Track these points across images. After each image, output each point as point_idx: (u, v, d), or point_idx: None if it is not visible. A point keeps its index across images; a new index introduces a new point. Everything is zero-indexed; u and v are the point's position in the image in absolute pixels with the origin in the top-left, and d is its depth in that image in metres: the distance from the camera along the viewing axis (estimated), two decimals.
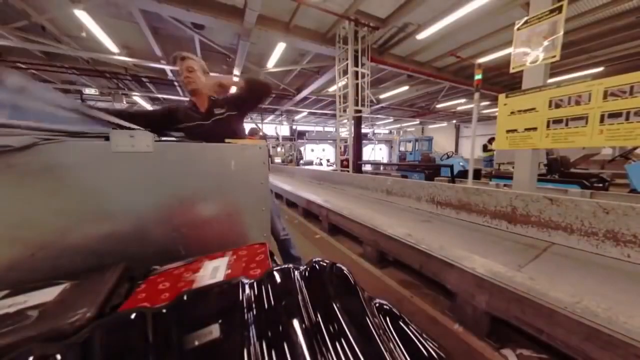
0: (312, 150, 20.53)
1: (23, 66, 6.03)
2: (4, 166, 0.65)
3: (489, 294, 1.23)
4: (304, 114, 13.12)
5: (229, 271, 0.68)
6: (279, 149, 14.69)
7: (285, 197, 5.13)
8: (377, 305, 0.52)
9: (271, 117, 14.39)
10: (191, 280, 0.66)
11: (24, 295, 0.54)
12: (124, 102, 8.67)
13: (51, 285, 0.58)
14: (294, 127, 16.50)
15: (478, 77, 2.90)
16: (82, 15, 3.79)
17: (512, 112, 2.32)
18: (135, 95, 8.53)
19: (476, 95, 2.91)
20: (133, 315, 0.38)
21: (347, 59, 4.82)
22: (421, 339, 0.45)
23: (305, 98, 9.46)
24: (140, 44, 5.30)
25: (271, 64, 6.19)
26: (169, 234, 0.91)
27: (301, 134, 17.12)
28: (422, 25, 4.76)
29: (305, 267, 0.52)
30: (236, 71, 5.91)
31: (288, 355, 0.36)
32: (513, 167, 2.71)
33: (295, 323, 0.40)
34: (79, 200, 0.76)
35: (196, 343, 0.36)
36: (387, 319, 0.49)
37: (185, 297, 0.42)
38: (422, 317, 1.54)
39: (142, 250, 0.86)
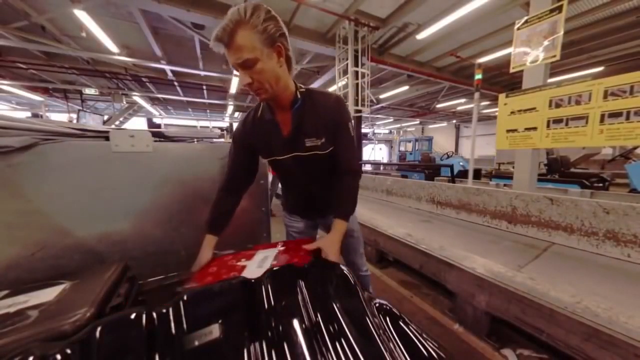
0: None
1: (23, 66, 6.03)
2: (4, 166, 0.65)
3: (488, 293, 1.23)
4: None
5: (275, 262, 0.71)
6: None
7: None
8: (377, 305, 0.51)
9: None
10: (241, 266, 0.70)
11: (24, 295, 0.54)
12: (124, 102, 8.66)
13: (51, 285, 0.58)
14: None
15: (478, 77, 2.90)
16: (82, 15, 3.78)
17: (512, 112, 2.32)
18: (135, 95, 8.52)
19: (476, 95, 2.91)
20: (133, 315, 0.38)
21: (347, 59, 4.82)
22: (421, 339, 0.45)
23: None
24: (140, 44, 5.29)
25: None
26: (169, 233, 0.91)
27: None
28: (422, 25, 4.76)
29: (305, 266, 0.51)
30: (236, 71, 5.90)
31: (288, 355, 0.35)
32: (513, 167, 2.71)
33: (295, 323, 0.40)
34: (79, 199, 0.76)
35: (196, 343, 0.36)
36: (387, 318, 0.49)
37: (185, 297, 0.42)
38: (422, 317, 1.54)
39: (141, 249, 0.86)
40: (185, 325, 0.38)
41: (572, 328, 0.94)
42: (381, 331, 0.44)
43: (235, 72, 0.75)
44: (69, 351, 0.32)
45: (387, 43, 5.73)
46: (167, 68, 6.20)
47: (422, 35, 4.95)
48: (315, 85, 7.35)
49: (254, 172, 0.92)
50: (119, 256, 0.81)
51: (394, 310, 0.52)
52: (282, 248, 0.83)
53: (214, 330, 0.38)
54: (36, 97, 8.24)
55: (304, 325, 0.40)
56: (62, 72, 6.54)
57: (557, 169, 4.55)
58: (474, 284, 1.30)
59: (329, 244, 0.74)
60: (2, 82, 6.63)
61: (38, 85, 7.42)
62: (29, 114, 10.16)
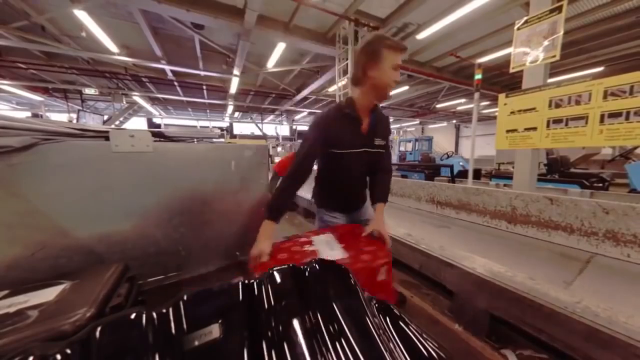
0: None
1: (23, 66, 6.03)
2: (4, 166, 0.65)
3: (488, 293, 1.23)
4: (304, 113, 13.11)
5: (343, 244, 0.80)
6: (279, 149, 14.69)
7: None
8: (377, 305, 0.51)
9: (271, 117, 14.38)
10: (311, 250, 0.79)
11: (24, 295, 0.54)
12: (124, 102, 8.66)
13: (51, 285, 0.58)
14: (293, 127, 16.49)
15: (478, 77, 2.90)
16: (82, 15, 3.78)
17: (512, 112, 2.32)
18: (135, 95, 8.52)
19: (476, 95, 2.91)
20: (133, 315, 0.38)
21: (347, 59, 4.82)
22: (421, 339, 0.45)
23: (305, 98, 9.46)
24: (140, 44, 5.29)
25: (271, 64, 6.18)
26: (169, 234, 0.91)
27: (301, 134, 17.13)
28: (422, 25, 4.76)
29: (305, 266, 0.51)
30: (236, 71, 5.89)
31: (288, 356, 0.36)
32: (513, 167, 2.71)
33: (295, 323, 0.40)
34: (79, 200, 0.76)
35: (196, 343, 0.36)
36: (387, 318, 0.49)
37: (185, 297, 0.42)
38: (422, 317, 1.53)
39: (141, 249, 0.86)
40: (185, 325, 0.38)
41: (572, 328, 0.94)
42: (381, 331, 0.44)
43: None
44: (68, 351, 0.32)
45: None
46: (167, 68, 6.19)
47: (422, 36, 4.95)
48: (315, 85, 7.35)
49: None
50: (119, 256, 0.80)
51: (394, 310, 0.52)
52: (335, 233, 0.95)
53: (214, 330, 0.38)
54: (36, 97, 8.24)
55: (304, 326, 0.40)
56: (62, 72, 6.54)
57: (557, 169, 4.55)
58: (472, 283, 1.30)
59: (381, 224, 0.95)
60: (2, 82, 6.62)
61: (38, 85, 7.42)
62: (29, 114, 10.15)
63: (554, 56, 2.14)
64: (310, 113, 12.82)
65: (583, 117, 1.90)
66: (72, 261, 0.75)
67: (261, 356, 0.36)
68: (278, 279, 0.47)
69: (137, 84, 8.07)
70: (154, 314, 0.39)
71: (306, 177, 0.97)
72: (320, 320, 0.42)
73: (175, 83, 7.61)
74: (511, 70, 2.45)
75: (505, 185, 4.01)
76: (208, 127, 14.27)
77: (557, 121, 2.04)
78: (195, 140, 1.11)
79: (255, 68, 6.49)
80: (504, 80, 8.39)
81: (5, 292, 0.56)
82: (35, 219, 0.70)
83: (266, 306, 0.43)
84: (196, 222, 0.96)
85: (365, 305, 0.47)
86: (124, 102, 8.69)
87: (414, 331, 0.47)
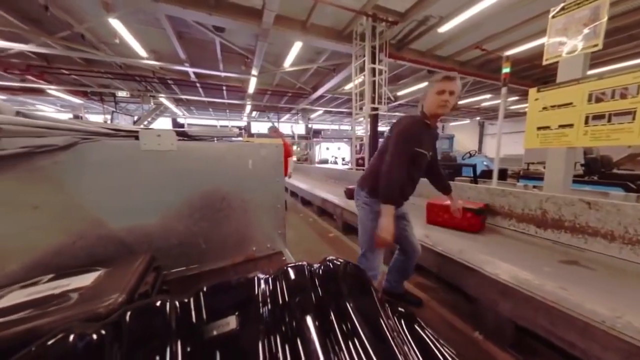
0: (327, 149, 20.53)
1: (66, 72, 6.65)
2: (50, 163, 0.72)
3: (513, 301, 1.16)
4: (320, 112, 13.11)
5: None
6: (294, 148, 14.89)
7: (300, 195, 5.18)
8: (392, 307, 0.51)
9: (287, 115, 14.56)
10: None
11: (66, 279, 0.60)
12: (152, 104, 9.24)
13: (88, 272, 0.64)
14: (309, 125, 16.56)
15: (506, 70, 2.71)
16: (115, 23, 4.09)
17: (545, 108, 2.14)
18: (161, 96, 9.05)
19: (503, 90, 2.72)
20: (158, 303, 0.41)
21: (364, 56, 4.73)
22: (438, 345, 0.44)
23: (321, 96, 9.45)
24: (166, 48, 5.60)
25: (288, 63, 6.25)
26: (190, 227, 0.96)
27: (317, 133, 17.16)
28: (444, 18, 4.53)
29: (319, 265, 0.52)
30: (254, 71, 6.04)
31: (301, 351, 0.36)
32: (544, 167, 2.50)
33: (309, 319, 0.41)
34: (112, 194, 0.82)
35: (215, 333, 0.38)
36: (402, 321, 0.48)
37: (205, 289, 0.44)
38: (439, 322, 1.48)
39: (166, 242, 0.92)
40: (204, 315, 0.40)
41: (610, 344, 0.86)
42: (395, 333, 0.43)
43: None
44: (103, 332, 0.35)
45: (406, 38, 5.53)
46: (190, 70, 6.50)
47: (444, 29, 4.72)
48: (331, 83, 7.32)
49: None
50: (146, 247, 0.87)
51: (410, 313, 0.50)
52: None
53: (231, 322, 0.40)
54: (76, 100, 9.05)
55: (317, 323, 0.40)
56: (99, 77, 7.12)
57: (597, 170, 4.13)
58: (496, 291, 1.22)
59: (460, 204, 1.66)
60: (49, 87, 7.35)
61: (78, 89, 8.14)
62: (70, 115, 11.18)
63: (596, 45, 1.94)
64: (326, 111, 12.79)
65: (630, 112, 1.70)
66: (106, 250, 0.82)
67: (275, 350, 0.37)
68: (292, 276, 0.48)
69: (163, 86, 8.56)
70: (177, 303, 0.41)
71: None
72: (334, 319, 0.42)
73: (198, 84, 7.96)
74: (544, 62, 2.26)
75: (534, 187, 3.72)
76: (227, 126, 14.80)
77: (598, 117, 1.85)
78: (215, 139, 1.15)
79: (273, 68, 6.60)
80: (535, 74, 7.76)
81: (52, 275, 0.63)
82: (75, 211, 0.77)
83: (280, 302, 0.44)
84: (215, 218, 1.01)
85: (379, 306, 0.47)
86: (152, 104, 9.28)
87: (430, 336, 0.45)
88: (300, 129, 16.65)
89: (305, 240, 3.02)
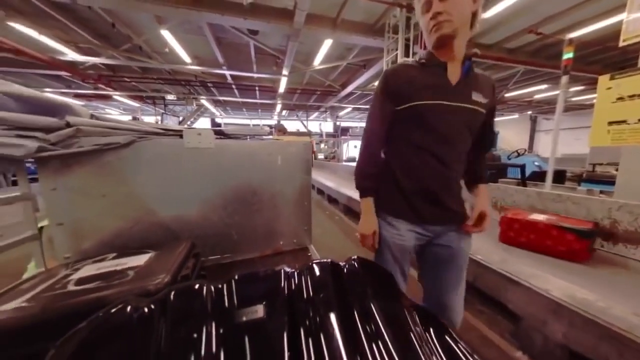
0: (355, 147, 20.28)
1: (127, 80, 7.68)
2: (115, 158, 0.84)
3: (569, 323, 1.01)
4: (349, 109, 12.95)
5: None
6: (322, 145, 15.00)
7: (327, 193, 5.21)
8: (421, 313, 0.48)
9: (315, 114, 14.70)
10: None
11: (125, 258, 0.70)
12: (194, 105, 10.16)
13: (142, 253, 0.73)
14: (337, 123, 16.49)
15: (568, 55, 2.33)
16: (166, 34, 4.59)
17: (621, 98, 1.79)
18: (202, 98, 9.90)
19: (564, 79, 2.35)
20: (197, 286, 0.45)
21: (396, 49, 4.51)
22: (471, 359, 0.40)
23: (350, 93, 9.31)
24: (206, 53, 6.09)
25: (317, 61, 6.28)
26: (224, 219, 1.04)
27: (345, 130, 17.01)
28: (490, 1, 4.07)
29: (344, 263, 0.52)
30: (285, 71, 6.22)
31: (324, 347, 0.37)
32: (616, 170, 2.10)
33: (332, 317, 0.41)
34: (161, 185, 0.93)
35: (244, 318, 0.41)
36: (431, 330, 0.45)
37: (237, 277, 0.47)
38: (473, 336, 1.36)
39: (203, 231, 1.01)
40: (235, 301, 0.43)
41: None
42: (423, 342, 0.41)
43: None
44: (152, 306, 0.40)
45: None
46: (227, 73, 6.96)
47: (490, 13, 4.24)
48: (361, 80, 7.15)
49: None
50: (188, 235, 0.96)
51: (440, 321, 0.47)
52: None
53: (259, 310, 0.42)
54: (134, 104, 10.38)
55: (340, 320, 0.40)
56: (152, 83, 8.08)
57: None
58: (547, 309, 1.08)
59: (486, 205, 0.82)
60: (115, 93, 8.57)
61: (136, 94, 9.34)
62: (130, 117, 12.91)
63: None
64: (354, 109, 12.58)
65: None
66: (156, 235, 0.93)
67: (299, 342, 0.38)
68: (317, 272, 0.49)
69: (204, 88, 9.34)
70: (212, 288, 0.45)
71: (383, 145, 0.84)
72: (357, 319, 0.41)
73: (233, 86, 8.50)
74: (621, 44, 1.88)
75: (602, 192, 3.16)
76: (259, 125, 15.54)
77: None
78: (248, 137, 1.22)
79: (302, 67, 6.70)
80: (606, 58, 6.52)
81: (115, 254, 0.74)
82: (133, 200, 0.90)
83: (305, 296, 0.45)
84: (247, 211, 1.07)
85: (406, 312, 0.45)
86: (194, 105, 10.20)
87: (463, 349, 0.42)
88: (328, 126, 16.67)
89: (331, 238, 3.03)
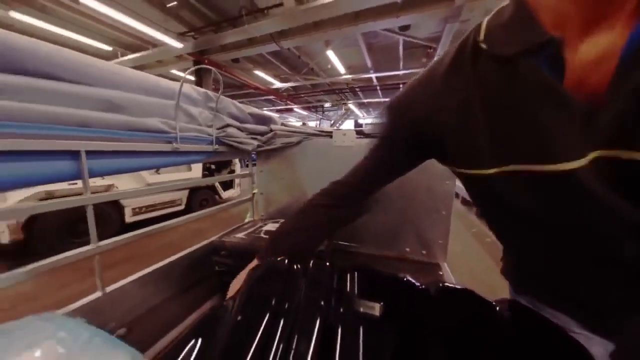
0: None
1: (302, 95, 10.43)
2: (291, 153, 1.19)
3: None
4: None
5: None
6: None
7: (460, 194, 4.11)
8: None
9: None
10: None
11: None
12: (343, 109, 11.83)
13: None
14: None
15: None
16: (330, 54, 5.65)
17: None
18: (350, 102, 11.29)
19: None
20: (327, 264, 0.54)
21: None
22: None
23: None
24: (357, 61, 6.80)
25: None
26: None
27: None
28: None
29: (494, 303, 0.39)
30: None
31: None
32: None
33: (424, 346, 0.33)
34: (315, 176, 1.18)
35: (361, 309, 0.43)
36: None
37: (360, 269, 0.51)
38: None
39: None
40: (356, 291, 0.47)
41: None
42: None
43: None
44: (298, 267, 0.54)
45: None
46: (374, 76, 7.37)
47: None
48: None
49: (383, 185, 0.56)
50: None
51: None
52: None
53: (376, 308, 0.42)
54: (304, 112, 13.90)
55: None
56: (317, 94, 10.38)
57: None
58: None
59: None
60: (295, 106, 11.97)
61: (305, 105, 12.44)
62: (301, 122, 17.53)
63: None
64: None
65: None
66: None
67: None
68: (455, 301, 0.41)
69: (352, 93, 10.57)
70: (336, 273, 0.51)
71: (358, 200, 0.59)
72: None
73: (378, 87, 8.85)
74: None
75: None
76: None
77: None
78: None
79: None
80: None
81: (283, 220, 1.06)
82: (298, 184, 1.22)
83: (426, 319, 0.39)
84: (376, 208, 1.10)
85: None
86: (343, 109, 11.87)
87: None
88: None
89: (468, 255, 2.35)
